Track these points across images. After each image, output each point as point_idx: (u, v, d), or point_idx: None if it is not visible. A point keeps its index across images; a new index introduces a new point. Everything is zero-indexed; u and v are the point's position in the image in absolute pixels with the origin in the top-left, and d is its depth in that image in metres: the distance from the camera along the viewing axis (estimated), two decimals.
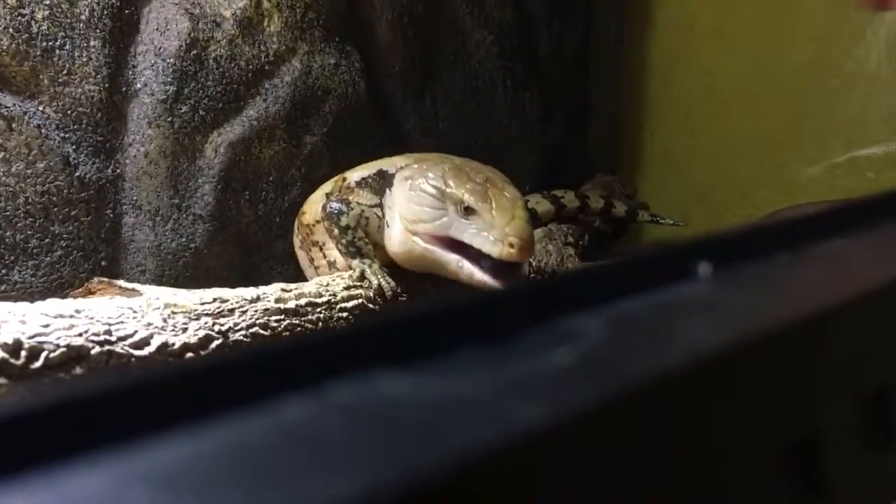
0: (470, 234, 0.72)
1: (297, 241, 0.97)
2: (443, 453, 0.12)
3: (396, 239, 0.79)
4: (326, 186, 0.91)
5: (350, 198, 0.84)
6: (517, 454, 0.13)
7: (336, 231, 0.82)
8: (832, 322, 0.21)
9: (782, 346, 0.19)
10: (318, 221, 0.89)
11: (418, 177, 0.76)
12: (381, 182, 0.83)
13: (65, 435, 0.11)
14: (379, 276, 0.80)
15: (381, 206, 0.83)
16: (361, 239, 0.82)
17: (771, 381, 0.19)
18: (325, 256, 0.90)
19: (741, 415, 0.18)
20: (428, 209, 0.74)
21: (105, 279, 0.79)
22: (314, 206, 0.91)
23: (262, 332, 0.69)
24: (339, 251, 0.83)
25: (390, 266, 0.83)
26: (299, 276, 0.97)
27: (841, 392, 0.22)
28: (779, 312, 0.20)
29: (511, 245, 0.69)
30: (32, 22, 0.90)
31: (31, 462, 0.11)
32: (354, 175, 0.87)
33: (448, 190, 0.74)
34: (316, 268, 0.93)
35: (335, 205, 0.82)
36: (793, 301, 0.21)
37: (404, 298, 0.81)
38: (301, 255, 0.97)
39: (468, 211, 0.72)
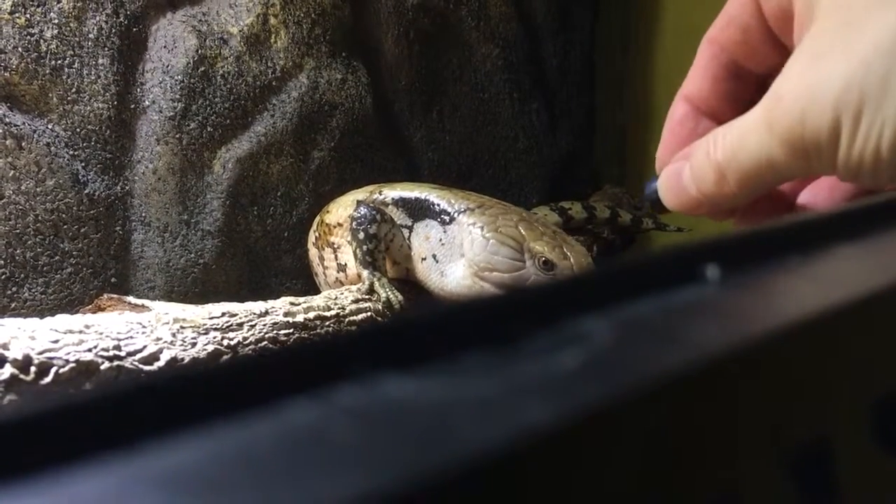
0: None
1: (311, 237, 0.97)
2: (450, 455, 0.12)
3: (456, 280, 0.79)
4: (359, 193, 0.91)
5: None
6: (524, 456, 0.13)
7: (361, 235, 0.82)
8: (841, 325, 0.21)
9: (790, 349, 0.19)
10: (339, 224, 0.89)
11: (492, 225, 0.77)
12: (424, 211, 0.83)
13: (71, 437, 0.11)
14: (388, 290, 0.80)
15: (411, 229, 0.83)
16: (381, 252, 0.82)
17: (779, 384, 0.19)
18: (336, 258, 0.91)
19: (748, 418, 0.18)
20: (505, 259, 0.75)
21: (114, 295, 0.79)
22: (341, 209, 0.91)
23: (271, 346, 0.69)
24: (355, 256, 0.83)
25: (398, 281, 0.84)
26: (308, 290, 0.97)
27: (851, 396, 0.22)
28: (787, 315, 0.20)
29: None
30: (41, 41, 0.90)
31: (37, 464, 0.11)
32: (393, 192, 0.87)
33: (528, 243, 0.75)
34: (325, 267, 0.93)
35: (369, 211, 0.82)
36: (801, 304, 0.21)
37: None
38: (312, 252, 0.97)
39: (547, 265, 0.73)
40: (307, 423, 0.13)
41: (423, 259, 0.82)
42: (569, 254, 0.74)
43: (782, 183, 0.40)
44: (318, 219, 0.96)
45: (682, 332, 0.17)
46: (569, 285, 0.17)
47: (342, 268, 0.90)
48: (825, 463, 0.20)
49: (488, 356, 0.15)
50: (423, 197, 0.84)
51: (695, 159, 0.41)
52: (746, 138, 0.37)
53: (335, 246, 0.91)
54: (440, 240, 0.80)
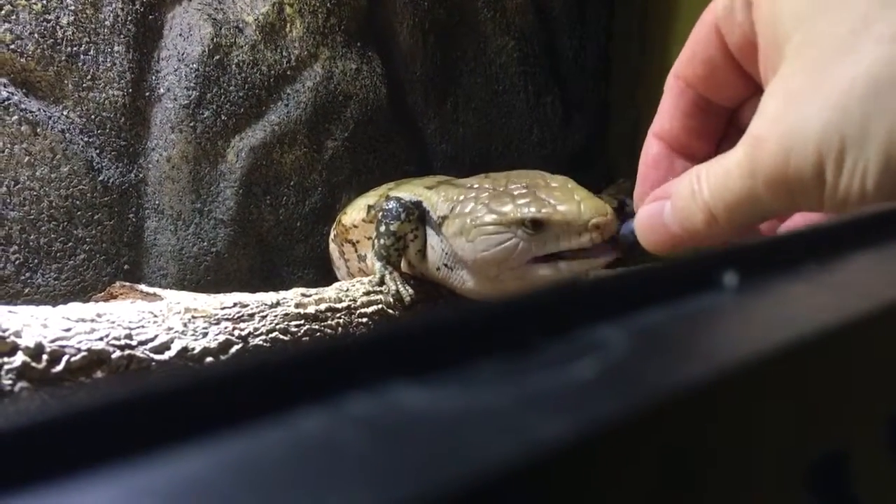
0: (552, 244, 0.69)
1: (332, 234, 1.00)
2: (462, 467, 0.12)
3: (478, 284, 0.77)
4: (370, 198, 0.92)
5: None
6: (538, 469, 0.13)
7: (382, 228, 0.81)
8: (859, 334, 0.21)
9: (809, 357, 0.19)
10: (354, 226, 0.92)
11: (467, 227, 0.73)
12: (421, 216, 0.81)
13: (73, 448, 0.11)
14: (398, 283, 0.80)
15: (417, 229, 0.82)
16: (398, 250, 0.81)
17: (797, 394, 0.19)
18: (356, 251, 0.93)
19: (766, 429, 0.18)
20: (498, 249, 0.71)
21: (127, 283, 0.79)
22: (355, 213, 0.93)
23: (281, 336, 0.69)
24: (373, 247, 0.83)
25: (412, 277, 0.84)
26: (319, 281, 0.97)
27: (870, 406, 0.21)
28: (805, 325, 0.20)
29: (596, 227, 0.67)
30: (57, 27, 0.90)
31: (39, 475, 0.10)
32: (397, 195, 0.86)
33: (505, 218, 0.70)
34: (346, 260, 0.96)
35: (396, 207, 0.81)
36: (819, 313, 0.21)
37: (421, 305, 0.81)
38: (332, 247, 1.00)
39: (535, 224, 0.69)
40: (317, 434, 0.13)
41: (438, 269, 0.81)
42: (547, 199, 0.70)
43: (771, 218, 0.40)
44: (337, 218, 1.00)
45: (699, 342, 0.17)
46: (584, 293, 0.17)
47: (362, 258, 0.92)
48: (843, 474, 0.20)
49: (502, 366, 0.15)
50: (417, 201, 0.82)
51: (678, 198, 0.40)
52: (730, 180, 0.37)
53: (354, 242, 0.93)
54: (442, 249, 0.79)
